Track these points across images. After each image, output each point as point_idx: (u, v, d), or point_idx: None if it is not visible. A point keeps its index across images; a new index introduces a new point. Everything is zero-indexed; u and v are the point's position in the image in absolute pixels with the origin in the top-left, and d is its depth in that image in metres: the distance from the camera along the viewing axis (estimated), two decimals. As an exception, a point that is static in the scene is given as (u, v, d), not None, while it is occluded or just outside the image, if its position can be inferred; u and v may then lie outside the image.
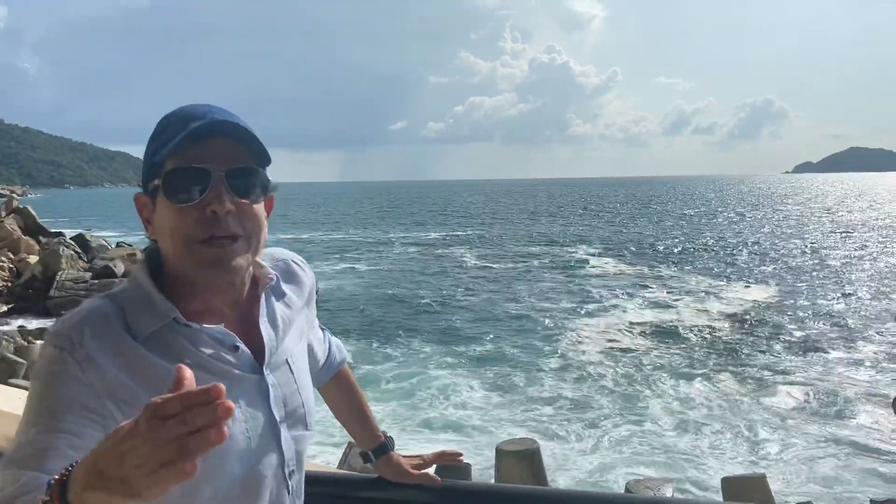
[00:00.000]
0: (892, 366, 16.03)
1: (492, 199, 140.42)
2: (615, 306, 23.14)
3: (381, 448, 1.70)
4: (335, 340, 1.67)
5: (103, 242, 28.24)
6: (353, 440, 1.77)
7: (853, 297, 24.71)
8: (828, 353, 17.39)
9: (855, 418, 12.57)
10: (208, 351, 1.13)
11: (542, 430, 11.60)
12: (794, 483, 9.79)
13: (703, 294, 25.44)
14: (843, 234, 49.27)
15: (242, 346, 1.17)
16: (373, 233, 54.87)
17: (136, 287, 1.14)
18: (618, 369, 15.68)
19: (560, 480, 9.58)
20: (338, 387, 1.68)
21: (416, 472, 1.70)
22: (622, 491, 7.71)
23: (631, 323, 20.65)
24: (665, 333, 19.27)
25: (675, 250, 40.54)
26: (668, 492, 7.96)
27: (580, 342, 18.24)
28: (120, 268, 22.69)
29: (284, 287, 1.32)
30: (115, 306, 1.09)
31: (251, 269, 1.21)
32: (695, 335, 19.06)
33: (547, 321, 20.66)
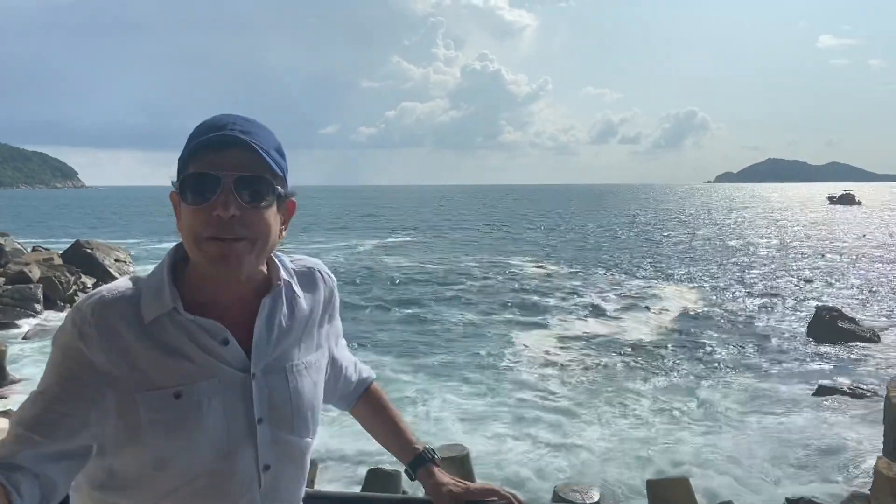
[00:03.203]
0: (812, 366, 16.95)
1: (423, 204, 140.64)
2: (549, 312, 23.56)
3: (419, 460, 1.60)
4: (357, 360, 1.71)
5: (18, 246, 26.87)
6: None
7: (775, 298, 26.04)
8: (749, 353, 18.22)
9: (771, 419, 13.20)
10: (200, 342, 1.22)
11: (475, 436, 11.71)
12: (714, 483, 10.21)
13: (634, 298, 26.18)
14: (766, 240, 51.75)
15: (233, 340, 1.25)
16: (297, 237, 54.16)
17: (157, 273, 1.26)
18: (552, 375, 15.96)
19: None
20: (366, 406, 1.70)
21: (462, 489, 1.55)
22: (550, 496, 7.89)
23: (565, 329, 21.07)
24: (598, 339, 19.76)
25: (605, 256, 41.62)
26: (596, 495, 8.19)
27: (516, 349, 18.47)
28: (35, 273, 21.62)
29: (299, 294, 1.37)
30: (135, 289, 1.23)
31: (262, 270, 1.31)
32: (626, 340, 19.60)
33: (483, 329, 20.86)
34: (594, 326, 21.45)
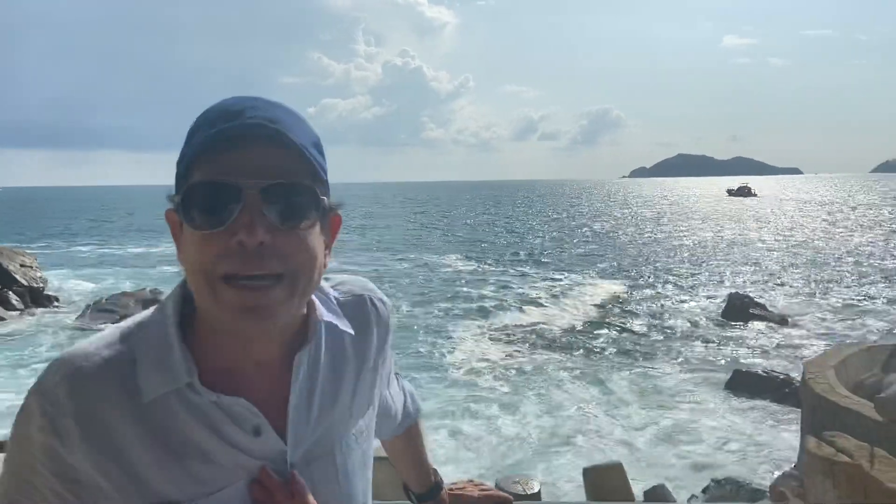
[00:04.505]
0: (728, 352, 17.77)
1: (348, 203, 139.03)
2: (479, 307, 23.82)
3: (431, 493, 1.48)
4: (410, 388, 1.38)
5: None
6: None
7: (690, 286, 27.19)
8: (669, 341, 18.97)
9: (692, 405, 13.79)
10: (222, 432, 0.87)
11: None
12: (647, 468, 10.58)
13: (559, 291, 26.83)
14: (678, 231, 53.93)
15: (268, 428, 0.89)
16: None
17: (157, 326, 0.89)
18: (487, 369, 16.16)
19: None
20: (402, 438, 1.42)
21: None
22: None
23: (494, 323, 21.37)
24: (526, 331, 20.13)
25: (530, 251, 42.38)
26: (536, 486, 8.35)
27: (447, 345, 18.58)
28: None
29: (347, 339, 1.01)
30: (126, 352, 0.86)
31: (298, 315, 0.92)
32: (552, 332, 20.07)
33: (415, 327, 20.86)
34: (522, 319, 21.84)
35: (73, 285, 27.85)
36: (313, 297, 0.96)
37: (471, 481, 1.60)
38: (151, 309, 0.93)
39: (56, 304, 23.88)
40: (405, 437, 1.42)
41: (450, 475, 1.59)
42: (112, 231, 62.60)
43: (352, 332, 1.01)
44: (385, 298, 1.12)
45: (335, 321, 0.98)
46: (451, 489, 1.53)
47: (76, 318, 21.02)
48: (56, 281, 27.21)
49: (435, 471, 1.49)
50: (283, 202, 0.84)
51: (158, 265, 34.24)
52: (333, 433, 0.98)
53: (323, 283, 1.02)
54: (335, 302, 1.02)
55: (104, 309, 21.07)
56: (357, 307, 1.05)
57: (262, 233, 0.81)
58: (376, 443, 1.17)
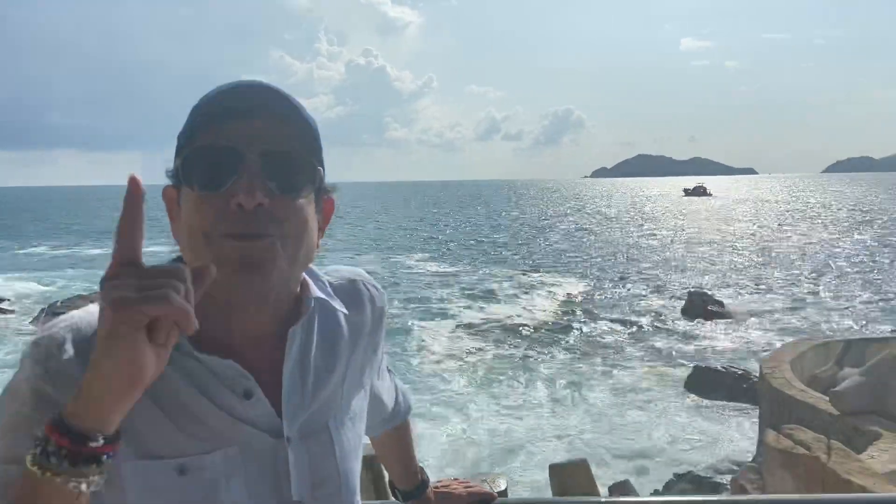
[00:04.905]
0: (687, 348, 18.11)
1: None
2: (444, 308, 23.86)
3: (418, 490, 1.48)
4: (402, 386, 1.37)
5: None
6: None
7: (651, 284, 27.62)
8: (632, 338, 19.27)
9: (654, 401, 14.03)
10: (213, 394, 0.86)
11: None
12: (611, 464, 10.74)
13: (524, 289, 27.07)
14: (638, 230, 54.77)
15: (259, 392, 0.89)
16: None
17: None
18: (453, 368, 16.21)
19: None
20: (391, 435, 1.41)
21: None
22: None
23: (461, 322, 21.45)
24: (491, 329, 20.26)
25: (494, 251, 42.59)
26: (503, 483, 8.40)
27: (413, 345, 18.57)
28: None
29: (340, 317, 1.02)
30: None
31: (291, 287, 0.93)
32: (517, 329, 20.20)
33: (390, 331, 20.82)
34: (486, 318, 21.95)
35: (24, 288, 27.08)
36: (307, 278, 0.97)
37: (455, 479, 1.61)
38: None
39: (7, 307, 23.18)
40: (394, 435, 1.41)
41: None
42: (67, 232, 60.99)
43: (345, 311, 1.02)
44: (378, 285, 1.13)
45: (328, 299, 1.00)
46: (436, 487, 1.53)
47: (30, 322, 20.43)
48: (7, 284, 26.42)
49: (422, 469, 1.49)
50: (283, 171, 0.86)
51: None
52: (328, 410, 0.97)
53: (315, 269, 1.03)
54: (328, 285, 1.03)
55: (59, 312, 20.52)
56: (351, 291, 1.07)
57: (260, 196, 0.83)
58: (365, 440, 1.16)
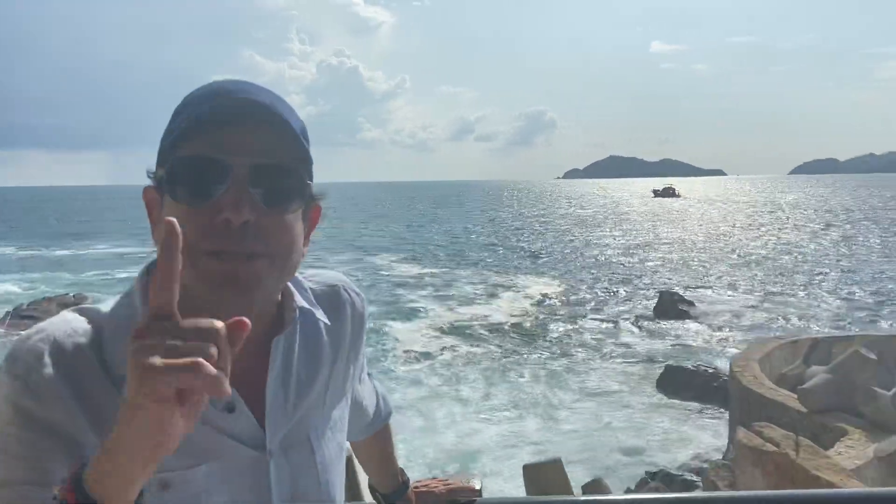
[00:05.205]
0: (659, 347, 18.33)
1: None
2: (417, 308, 23.87)
3: (398, 493, 1.47)
4: (382, 390, 1.36)
5: None
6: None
7: (623, 284, 27.91)
8: (604, 337, 19.43)
9: (627, 400, 14.17)
10: None
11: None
12: (585, 463, 10.81)
13: (497, 290, 27.18)
14: (611, 231, 55.32)
15: (242, 405, 0.87)
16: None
17: (124, 304, 0.87)
18: (427, 368, 16.21)
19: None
20: (372, 439, 1.40)
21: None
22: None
23: (434, 322, 21.47)
24: (464, 329, 20.32)
25: (468, 251, 42.69)
26: (478, 484, 8.43)
27: (387, 346, 18.55)
28: None
29: (322, 327, 1.00)
30: (94, 327, 0.84)
31: (274, 297, 0.92)
32: (491, 330, 20.28)
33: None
34: (459, 318, 22.01)
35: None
36: (289, 285, 0.95)
37: (435, 478, 1.60)
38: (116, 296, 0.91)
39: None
40: (375, 439, 1.40)
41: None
42: (33, 234, 59.69)
43: (327, 321, 1.00)
44: (359, 291, 1.11)
45: (311, 309, 0.98)
46: (416, 487, 1.53)
47: (-6, 324, 19.97)
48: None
49: (402, 471, 1.48)
50: (271, 184, 0.83)
51: (85, 269, 32.90)
52: (309, 421, 0.96)
53: (297, 274, 1.00)
54: (310, 292, 1.01)
55: (26, 315, 20.11)
56: (332, 297, 1.05)
57: (248, 211, 0.80)
58: (346, 444, 1.15)
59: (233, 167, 0.81)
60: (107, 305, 0.88)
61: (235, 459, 0.87)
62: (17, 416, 0.76)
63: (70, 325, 0.83)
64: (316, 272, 1.09)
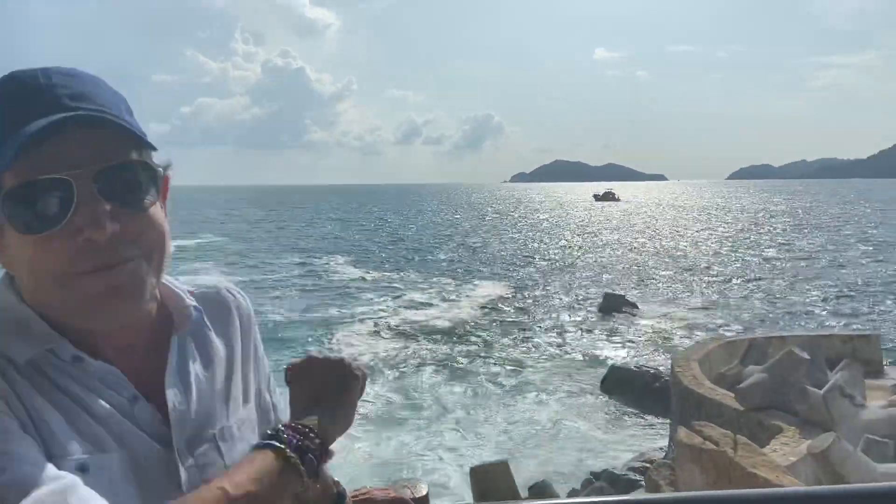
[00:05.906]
0: (603, 348, 18.63)
1: (228, 206, 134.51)
2: (365, 311, 23.70)
3: (341, 499, 1.41)
4: None
5: None
6: None
7: (568, 287, 28.34)
8: (549, 339, 19.66)
9: (570, 401, 14.35)
10: (101, 392, 0.82)
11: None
12: (529, 465, 10.87)
13: (446, 293, 27.22)
14: (556, 234, 56.10)
15: (142, 398, 0.85)
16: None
17: (4, 300, 0.83)
18: (370, 372, 16.07)
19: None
20: None
21: None
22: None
23: (381, 325, 21.35)
24: (413, 333, 20.25)
25: (415, 254, 42.64)
26: (424, 489, 8.38)
27: (333, 348, 18.35)
28: None
29: (212, 327, 0.98)
30: None
31: (156, 297, 0.88)
32: (437, 333, 20.28)
33: (309, 331, 20.50)
34: (406, 321, 21.93)
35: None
36: (170, 285, 0.93)
37: (374, 487, 1.55)
38: None
39: None
40: None
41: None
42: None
43: (209, 322, 0.99)
44: (242, 291, 1.09)
45: (195, 308, 0.96)
46: (354, 496, 1.48)
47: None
48: None
49: (336, 482, 1.44)
50: (121, 185, 0.78)
51: None
52: (212, 419, 0.94)
53: (174, 279, 0.98)
54: (192, 297, 0.98)
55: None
56: (215, 297, 1.02)
57: (110, 224, 0.76)
58: None
59: (72, 182, 0.75)
60: None
61: (145, 451, 0.85)
62: None
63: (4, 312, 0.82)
64: (192, 278, 1.05)
